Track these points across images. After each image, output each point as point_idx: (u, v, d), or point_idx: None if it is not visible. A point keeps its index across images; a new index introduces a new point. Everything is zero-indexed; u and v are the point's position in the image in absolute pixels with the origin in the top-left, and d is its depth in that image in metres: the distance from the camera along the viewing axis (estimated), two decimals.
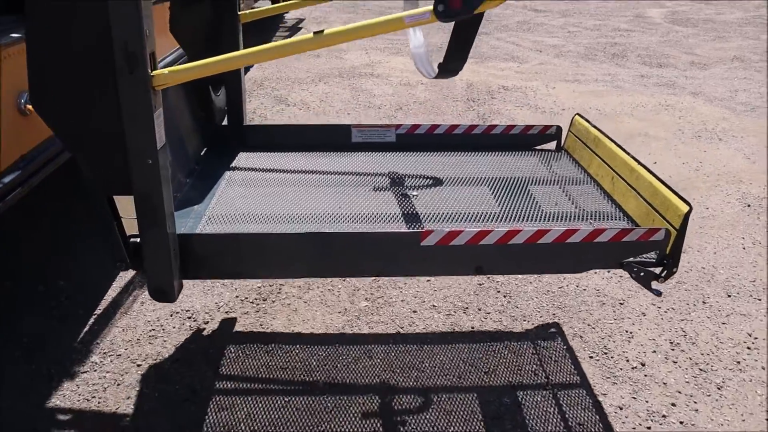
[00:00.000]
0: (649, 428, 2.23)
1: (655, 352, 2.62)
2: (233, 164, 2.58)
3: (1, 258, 3.03)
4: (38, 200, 2.82)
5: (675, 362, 2.57)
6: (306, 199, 2.26)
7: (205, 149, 2.68)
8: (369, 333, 2.64)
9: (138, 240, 1.68)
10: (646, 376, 2.49)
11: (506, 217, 2.17)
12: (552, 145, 2.82)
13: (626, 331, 2.73)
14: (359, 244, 1.84)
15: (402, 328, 2.68)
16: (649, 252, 1.91)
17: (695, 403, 2.36)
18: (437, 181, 2.46)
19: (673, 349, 2.64)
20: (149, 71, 1.47)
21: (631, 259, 1.92)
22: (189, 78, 1.63)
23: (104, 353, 2.47)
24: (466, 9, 1.51)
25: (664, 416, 2.29)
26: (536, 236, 1.82)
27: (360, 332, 2.64)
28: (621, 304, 2.93)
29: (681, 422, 2.27)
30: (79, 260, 3.04)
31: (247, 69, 6.77)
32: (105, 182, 1.61)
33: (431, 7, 1.52)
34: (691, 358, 2.59)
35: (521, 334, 2.66)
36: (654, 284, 1.91)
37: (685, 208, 1.86)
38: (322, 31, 1.51)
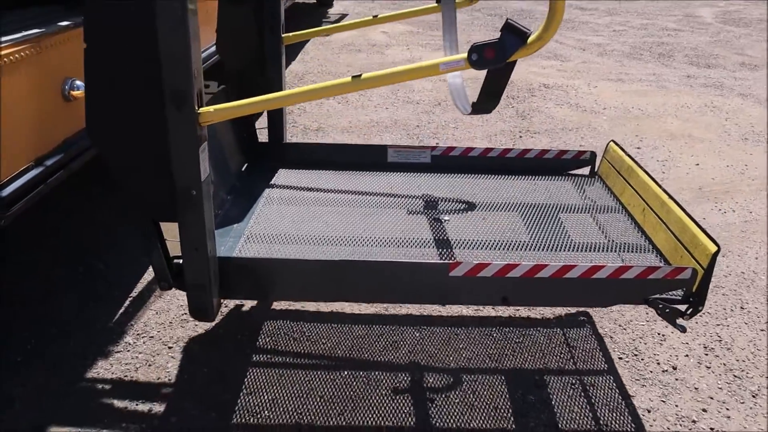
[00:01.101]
0: None
1: (687, 356, 2.56)
2: (272, 181, 2.66)
3: (43, 239, 3.14)
4: (80, 184, 2.91)
5: (708, 367, 2.51)
6: (341, 220, 2.33)
7: (246, 165, 2.78)
8: (401, 315, 2.65)
9: (180, 261, 1.77)
10: (677, 380, 2.43)
11: (536, 246, 2.20)
12: (586, 169, 2.82)
13: (658, 334, 2.68)
14: (390, 272, 1.90)
15: (433, 312, 2.68)
16: (676, 290, 1.91)
17: (728, 410, 2.30)
18: (469, 206, 2.50)
19: (706, 354, 2.58)
20: (196, 109, 1.56)
21: (657, 295, 1.92)
22: (234, 116, 1.73)
23: (138, 334, 2.54)
24: (499, 59, 1.57)
25: (693, 421, 2.24)
26: (562, 271, 1.85)
27: (392, 313, 2.65)
28: None
29: (711, 429, 2.21)
30: (117, 244, 3.13)
31: (288, 62, 6.84)
32: (151, 209, 1.71)
33: (465, 56, 1.59)
34: (725, 364, 2.53)
35: (550, 328, 2.63)
36: (679, 320, 1.90)
37: (713, 248, 1.86)
38: (360, 75, 1.60)
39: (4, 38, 1.95)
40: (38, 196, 2.13)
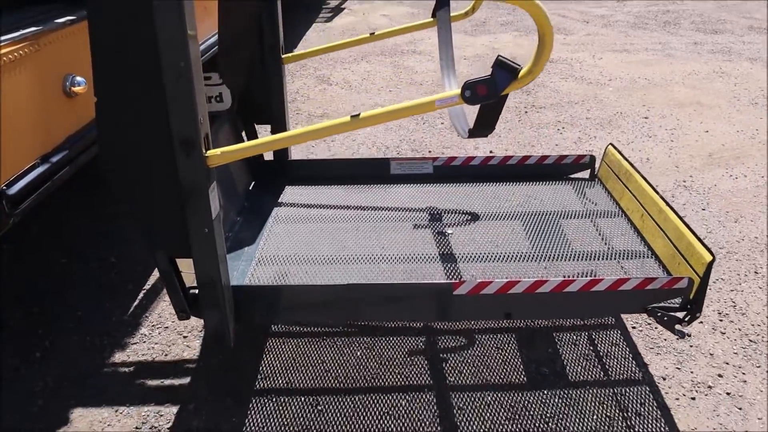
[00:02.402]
0: (693, 399, 2.18)
1: (702, 323, 2.55)
2: (279, 200, 2.71)
3: (56, 235, 3.17)
4: (88, 179, 2.93)
5: (723, 333, 2.50)
6: (348, 237, 2.39)
7: (253, 183, 2.83)
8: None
9: (196, 291, 1.84)
10: (691, 347, 2.43)
11: (538, 256, 2.25)
12: (586, 171, 2.85)
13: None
14: (397, 293, 1.97)
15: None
16: (673, 298, 1.96)
17: (744, 374, 2.29)
18: (472, 216, 2.55)
19: (721, 320, 2.57)
20: (204, 153, 1.62)
21: (655, 304, 1.97)
22: (240, 157, 1.78)
23: (153, 326, 2.56)
24: (492, 95, 1.62)
25: (709, 387, 2.23)
26: (562, 285, 1.91)
27: None
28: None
29: (728, 393, 2.21)
30: (128, 238, 3.15)
31: (290, 50, 6.83)
32: (167, 247, 1.78)
33: (459, 92, 1.63)
34: (740, 329, 2.51)
35: None
36: (678, 326, 1.95)
37: (708, 258, 1.90)
38: (359, 114, 1.65)
39: (2, 37, 1.96)
40: (46, 193, 2.15)
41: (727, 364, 2.34)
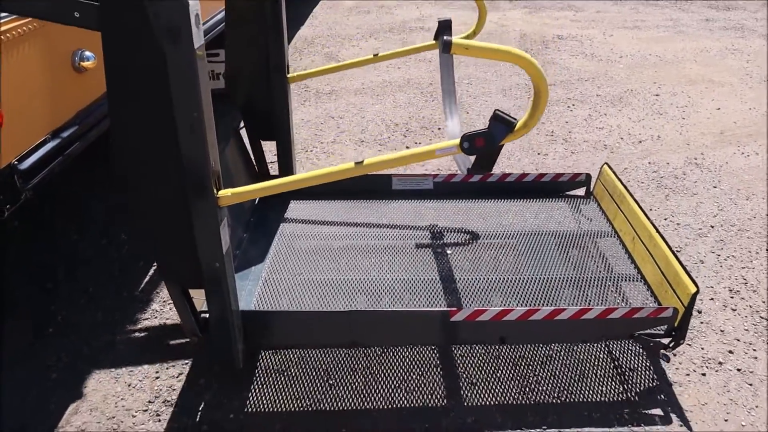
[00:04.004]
0: (704, 375, 2.18)
1: (712, 299, 2.55)
2: (285, 215, 2.77)
3: (67, 212, 3.18)
4: (96, 155, 2.93)
5: (734, 310, 2.49)
6: (350, 257, 2.46)
7: (258, 197, 2.86)
8: None
9: (206, 315, 1.94)
10: (702, 323, 2.42)
11: (533, 280, 2.32)
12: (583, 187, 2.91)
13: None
14: (397, 320, 2.06)
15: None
16: (659, 326, 2.07)
17: (755, 350, 2.29)
18: (471, 236, 2.61)
19: (732, 297, 2.56)
20: (215, 193, 1.71)
21: (642, 331, 2.08)
22: (249, 198, 1.85)
23: (164, 301, 2.58)
24: (489, 146, 1.71)
25: (720, 363, 2.24)
26: (553, 314, 2.00)
27: None
28: (678, 251, 2.85)
29: (739, 369, 2.21)
30: None
31: (297, 27, 6.77)
32: (180, 279, 1.87)
33: (458, 142, 1.71)
34: (751, 306, 2.51)
35: None
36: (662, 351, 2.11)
37: (693, 289, 1.98)
38: (362, 161, 1.74)
39: (5, 13, 1.94)
40: (57, 168, 2.16)
41: (738, 340, 2.34)
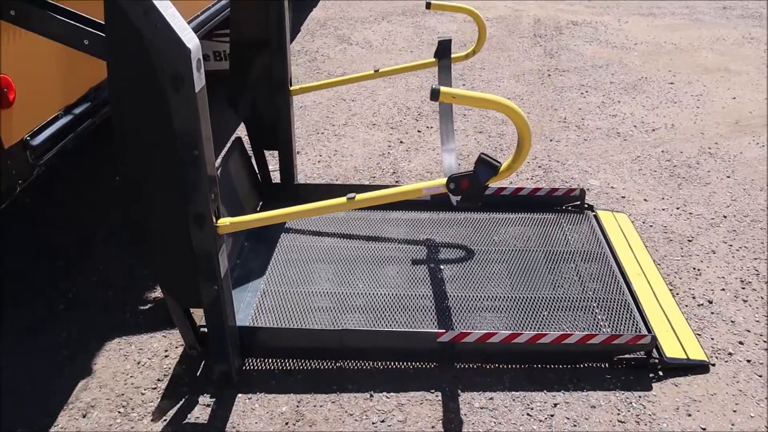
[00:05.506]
0: (713, 365, 2.17)
1: (723, 290, 2.53)
2: (285, 225, 2.83)
3: (79, 189, 3.19)
4: (107, 134, 2.92)
5: (745, 301, 2.47)
6: (346, 271, 2.53)
7: (261, 204, 2.98)
8: None
9: (205, 330, 2.04)
10: (712, 313, 2.41)
11: (523, 299, 2.39)
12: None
13: (693, 269, 2.65)
14: (386, 339, 2.17)
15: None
16: (637, 352, 2.14)
17: (765, 342, 2.28)
18: (465, 253, 2.67)
19: (743, 288, 2.54)
20: (215, 223, 1.80)
21: (621, 356, 2.15)
22: (248, 227, 1.98)
23: None
24: (474, 188, 1.78)
25: (730, 354, 2.22)
26: (535, 338, 2.10)
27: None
28: (689, 241, 2.83)
29: (748, 360, 2.20)
30: None
31: (309, 10, 6.73)
32: (181, 299, 1.97)
33: (445, 182, 1.79)
34: (762, 297, 2.49)
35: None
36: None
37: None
38: (354, 196, 1.84)
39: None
40: (70, 144, 2.16)
41: (749, 331, 2.33)
